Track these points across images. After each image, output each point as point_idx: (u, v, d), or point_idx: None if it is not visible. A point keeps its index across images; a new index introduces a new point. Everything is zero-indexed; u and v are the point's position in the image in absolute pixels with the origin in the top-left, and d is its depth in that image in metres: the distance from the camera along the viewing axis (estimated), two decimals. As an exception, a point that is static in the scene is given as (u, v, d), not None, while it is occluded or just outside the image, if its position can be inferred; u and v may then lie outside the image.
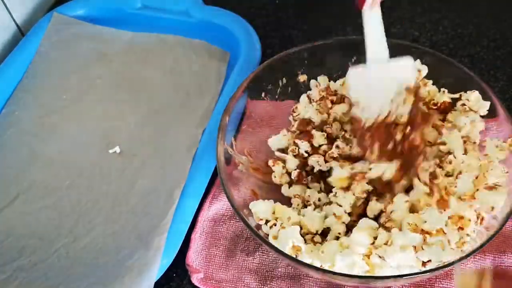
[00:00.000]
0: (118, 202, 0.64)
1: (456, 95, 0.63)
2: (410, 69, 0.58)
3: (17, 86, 0.77)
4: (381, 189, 0.58)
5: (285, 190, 0.63)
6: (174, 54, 0.80)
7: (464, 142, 0.60)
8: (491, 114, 0.61)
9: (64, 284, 0.57)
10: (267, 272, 0.59)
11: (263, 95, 0.68)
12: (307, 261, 0.52)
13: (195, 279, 0.59)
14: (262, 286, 0.58)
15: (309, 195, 0.61)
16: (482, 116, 0.61)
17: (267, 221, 0.56)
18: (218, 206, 0.64)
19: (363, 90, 0.58)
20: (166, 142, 0.70)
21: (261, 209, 0.56)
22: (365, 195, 0.58)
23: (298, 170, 0.62)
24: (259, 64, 0.77)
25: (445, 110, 0.63)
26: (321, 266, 0.51)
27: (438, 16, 0.85)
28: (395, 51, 0.58)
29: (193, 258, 0.60)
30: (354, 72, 0.58)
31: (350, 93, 0.59)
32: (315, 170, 0.62)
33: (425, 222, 0.52)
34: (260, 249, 0.60)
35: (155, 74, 0.78)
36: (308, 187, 0.62)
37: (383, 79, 0.57)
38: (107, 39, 0.82)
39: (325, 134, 0.64)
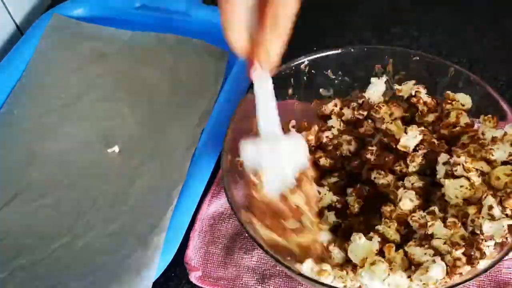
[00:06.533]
0: (117, 201, 0.64)
1: None
2: (302, 147, 0.53)
3: (16, 85, 0.77)
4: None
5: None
6: (173, 53, 0.79)
7: None
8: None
9: (62, 284, 0.57)
10: (266, 270, 0.59)
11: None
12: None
13: (193, 277, 0.59)
14: (260, 284, 0.58)
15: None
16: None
17: None
18: (217, 204, 0.64)
19: (258, 162, 0.52)
20: (165, 141, 0.69)
21: None
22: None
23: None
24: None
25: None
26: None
27: (438, 16, 0.85)
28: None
29: (192, 256, 0.60)
30: (245, 144, 0.53)
31: (244, 164, 0.53)
32: None
33: None
34: (258, 247, 0.60)
35: (154, 74, 0.77)
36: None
37: (275, 155, 0.52)
38: (106, 38, 0.82)
39: None
